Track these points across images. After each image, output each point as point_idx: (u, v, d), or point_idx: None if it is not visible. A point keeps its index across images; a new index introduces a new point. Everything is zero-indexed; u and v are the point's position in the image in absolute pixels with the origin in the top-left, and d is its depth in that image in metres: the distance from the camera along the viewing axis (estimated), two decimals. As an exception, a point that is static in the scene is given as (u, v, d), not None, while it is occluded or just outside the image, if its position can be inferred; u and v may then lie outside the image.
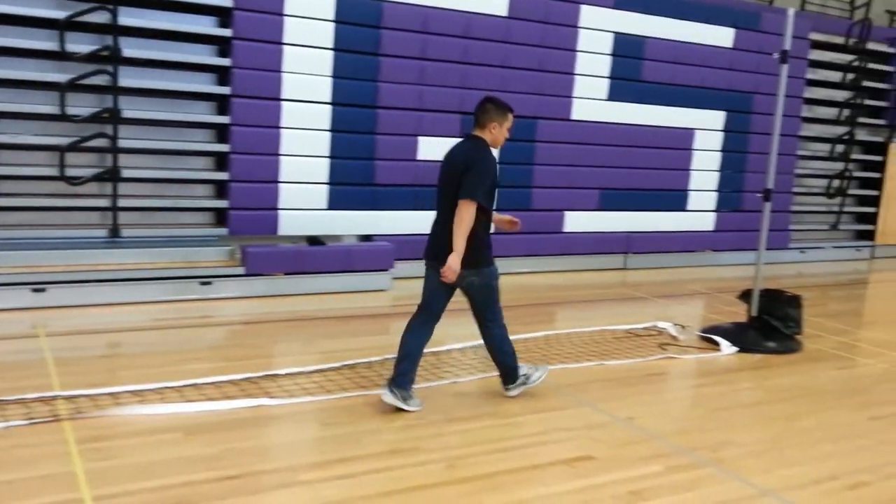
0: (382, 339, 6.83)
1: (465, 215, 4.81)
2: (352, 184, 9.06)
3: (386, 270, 8.78)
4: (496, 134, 5.04)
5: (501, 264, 9.83)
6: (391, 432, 4.72)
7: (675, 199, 11.36)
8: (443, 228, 4.97)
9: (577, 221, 10.54)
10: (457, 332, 7.04)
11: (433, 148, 9.49)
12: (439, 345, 6.53)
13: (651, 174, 11.09)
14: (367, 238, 9.22)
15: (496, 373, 5.89)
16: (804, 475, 4.46)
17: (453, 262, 4.84)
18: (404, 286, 8.95)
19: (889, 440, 5.09)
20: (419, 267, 9.29)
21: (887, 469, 4.62)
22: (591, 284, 9.78)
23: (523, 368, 5.46)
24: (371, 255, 8.72)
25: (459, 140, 5.23)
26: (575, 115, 10.43)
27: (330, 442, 4.57)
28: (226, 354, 6.11)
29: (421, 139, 9.37)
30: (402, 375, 5.02)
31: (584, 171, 10.59)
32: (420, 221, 9.44)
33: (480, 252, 4.99)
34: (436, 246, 5.03)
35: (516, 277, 9.86)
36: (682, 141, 11.32)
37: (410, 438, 4.64)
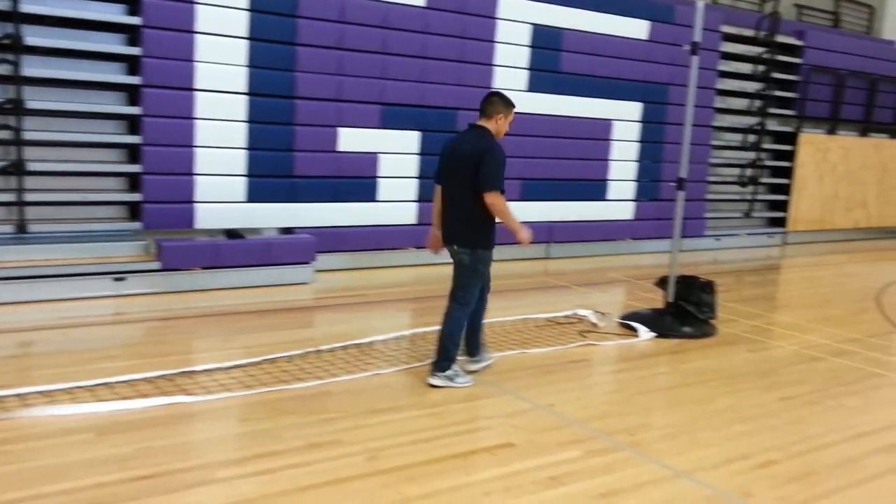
0: (304, 332, 6.76)
1: (498, 204, 5.26)
2: (271, 175, 8.93)
3: (307, 263, 8.69)
4: (501, 125, 5.45)
5: (423, 255, 9.93)
6: (311, 426, 4.68)
7: (596, 189, 11.53)
8: (455, 216, 5.38)
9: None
10: (380, 324, 7.03)
11: (353, 139, 9.43)
12: (362, 336, 6.50)
13: (571, 164, 11.22)
14: (287, 231, 9.11)
15: (419, 363, 5.89)
16: (717, 455, 4.59)
17: (524, 236, 5.48)
18: (327, 279, 8.87)
19: (797, 419, 5.27)
20: (342, 259, 9.36)
21: (795, 447, 4.78)
22: (513, 274, 9.86)
23: (455, 366, 5.51)
24: (292, 248, 8.62)
25: (462, 131, 5.54)
26: None
27: (248, 438, 4.51)
28: (140, 352, 5.97)
29: (341, 130, 9.29)
30: (473, 347, 5.67)
31: (507, 162, 10.62)
32: (342, 213, 9.40)
33: (482, 235, 5.36)
34: (451, 231, 5.43)
35: (439, 268, 9.83)
36: (600, 132, 11.48)
37: (331, 432, 4.61)
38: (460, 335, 5.49)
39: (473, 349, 5.78)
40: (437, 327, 6.77)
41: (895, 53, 15.69)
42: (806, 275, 11.67)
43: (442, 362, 5.46)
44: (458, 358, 5.60)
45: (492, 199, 5.24)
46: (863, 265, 12.70)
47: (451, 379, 5.47)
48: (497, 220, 5.39)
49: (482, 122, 5.45)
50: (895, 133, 15.78)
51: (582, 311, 7.74)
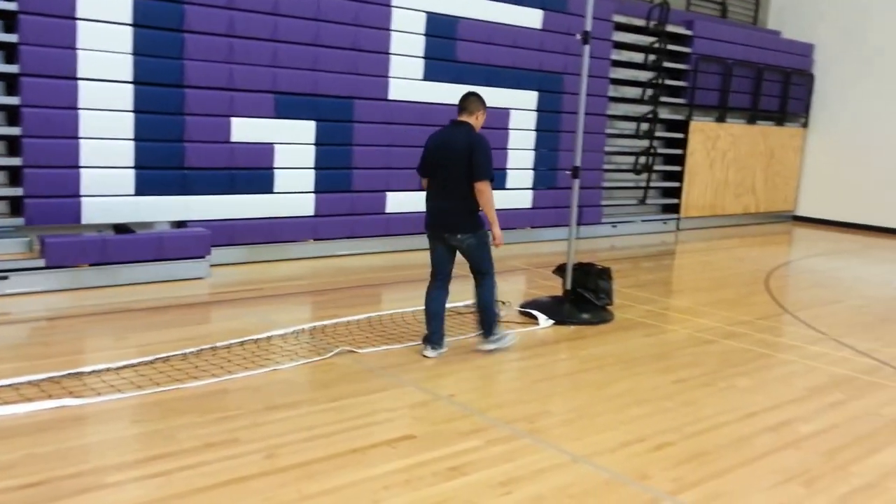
0: (201, 329, 6.60)
1: (488, 193, 5.79)
2: (161, 167, 8.69)
3: (202, 258, 8.49)
4: (480, 121, 6.00)
5: (321, 247, 9.85)
6: (207, 426, 4.58)
7: (497, 178, 11.57)
8: (453, 205, 5.90)
9: (398, 202, 10.58)
10: (279, 318, 6.93)
11: (247, 129, 9.25)
12: (260, 331, 6.40)
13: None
14: (180, 224, 8.88)
15: (319, 357, 5.85)
16: (613, 439, 4.71)
17: (498, 233, 5.93)
18: (223, 273, 8.69)
19: (690, 401, 5.46)
20: (238, 252, 9.18)
21: (688, 429, 4.95)
22: (414, 265, 9.86)
23: (497, 328, 6.22)
24: (185, 243, 8.41)
25: (446, 126, 6.04)
26: (392, 95, 10.45)
27: (140, 440, 4.38)
28: (25, 353, 5.72)
29: (234, 120, 9.11)
30: (435, 333, 6.07)
31: (404, 152, 10.63)
32: (237, 205, 9.22)
33: (479, 218, 5.93)
34: (448, 221, 5.95)
35: (337, 260, 9.80)
36: (498, 120, 11.58)
37: (227, 430, 4.53)
38: (494, 301, 6.15)
39: (436, 337, 6.10)
40: (341, 319, 6.75)
41: (779, 43, 16.37)
42: (699, 259, 12.06)
43: (488, 331, 6.16)
44: (406, 346, 6.29)
45: (483, 187, 5.76)
46: (752, 249, 13.21)
47: (499, 340, 6.23)
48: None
49: (464, 118, 5.98)
50: (781, 121, 16.47)
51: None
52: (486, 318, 6.18)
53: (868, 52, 15.94)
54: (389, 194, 10.52)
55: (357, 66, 10.08)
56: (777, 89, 16.27)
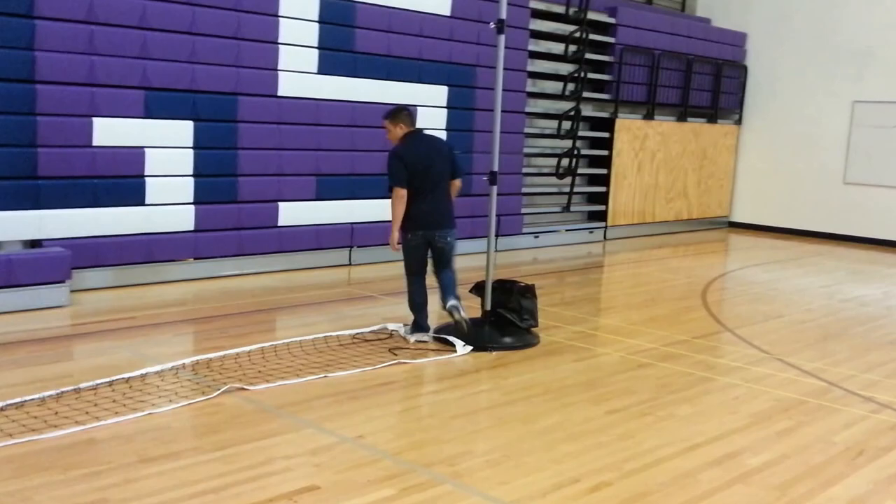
0: (60, 367, 6.36)
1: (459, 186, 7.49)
2: (8, 178, 8.38)
3: (61, 283, 8.21)
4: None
5: (203, 267, 9.66)
6: (70, 484, 4.37)
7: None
8: (446, 205, 7.35)
9: (293, 213, 10.47)
10: (155, 352, 6.72)
11: (112, 131, 9.01)
12: (133, 369, 6.18)
13: (372, 157, 11.23)
14: (34, 244, 8.55)
15: (202, 398, 5.70)
16: (545, 481, 4.69)
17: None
18: (87, 300, 8.42)
19: (626, 434, 5.50)
20: (105, 275, 8.91)
21: (627, 465, 4.97)
22: (312, 285, 9.74)
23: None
24: (40, 265, 8.10)
25: (413, 136, 7.29)
26: (282, 91, 10.36)
27: (-11, 505, 4.15)
28: None
29: (96, 121, 8.86)
30: (426, 321, 7.54)
31: (298, 156, 10.54)
32: (102, 221, 8.95)
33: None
34: (443, 220, 7.32)
35: (223, 282, 9.62)
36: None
37: (95, 489, 4.33)
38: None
39: (426, 324, 7.51)
40: (229, 352, 6.63)
41: (710, 32, 16.87)
42: (629, 272, 12.28)
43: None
44: (401, 327, 7.68)
45: (460, 182, 7.43)
46: (686, 259, 13.51)
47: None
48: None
49: (416, 126, 7.42)
50: (713, 117, 16.95)
51: (392, 326, 7.75)
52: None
53: (803, 41, 16.55)
54: (282, 205, 10.39)
55: (241, 58, 9.93)
56: (708, 83, 16.75)
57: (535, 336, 7.67)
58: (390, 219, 7.19)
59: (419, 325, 7.51)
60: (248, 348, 6.91)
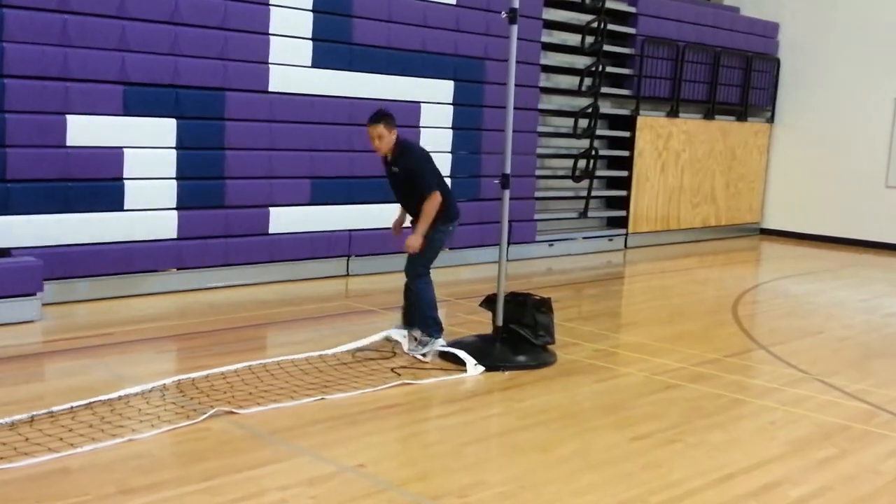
0: (31, 388, 6.34)
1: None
2: (-24, 181, 8.37)
3: (32, 296, 8.18)
4: None
5: (188, 278, 9.64)
6: (43, 518, 4.33)
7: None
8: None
9: (285, 220, 10.45)
10: (135, 372, 6.70)
11: (88, 130, 8.99)
12: (111, 390, 6.14)
13: (373, 158, 11.01)
14: (2, 253, 8.53)
15: (187, 422, 5.67)
16: (567, 515, 4.65)
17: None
18: (61, 314, 8.39)
19: (654, 463, 5.45)
20: (81, 287, 8.89)
21: (654, 498, 4.92)
22: (306, 297, 9.71)
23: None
24: (8, 276, 8.07)
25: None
26: (273, 86, 10.35)
27: (-46, 542, 4.11)
28: None
29: (70, 118, 8.86)
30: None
31: (291, 157, 10.53)
32: (77, 228, 8.94)
33: None
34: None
35: (209, 294, 9.60)
36: (407, 117, 11.53)
37: (71, 524, 4.29)
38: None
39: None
40: (216, 370, 6.58)
41: (739, 22, 16.87)
42: (653, 284, 12.24)
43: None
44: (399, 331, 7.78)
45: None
46: (715, 270, 13.48)
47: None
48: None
49: None
50: (742, 115, 16.92)
51: (395, 333, 7.75)
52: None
53: (841, 32, 16.51)
54: (273, 210, 10.37)
55: (228, 50, 9.93)
56: (737, 77, 16.74)
57: (551, 354, 7.63)
58: (406, 223, 7.67)
59: (439, 324, 7.67)
60: (236, 366, 6.86)
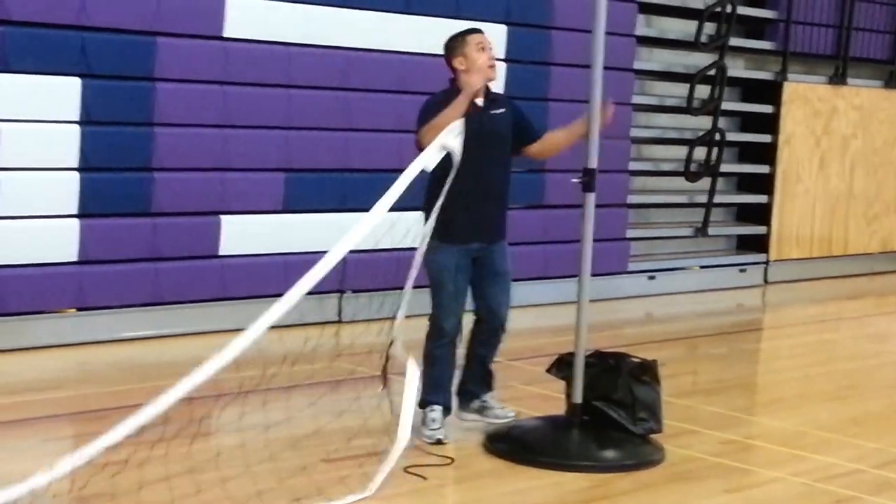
0: None
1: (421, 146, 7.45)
2: None
3: None
4: (465, 67, 7.61)
5: (96, 323, 9.49)
6: None
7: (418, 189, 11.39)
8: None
9: (245, 235, 10.43)
10: (6, 468, 6.49)
11: None
12: None
13: (379, 140, 11.20)
14: None
15: None
16: None
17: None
18: None
19: None
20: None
21: None
22: (276, 356, 9.51)
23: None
24: None
25: None
26: (231, 29, 10.35)
27: None
28: None
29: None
30: None
31: (256, 138, 10.54)
32: None
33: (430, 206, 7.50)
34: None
35: (126, 349, 9.56)
36: (435, 79, 11.22)
37: None
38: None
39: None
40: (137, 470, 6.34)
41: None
42: (808, 340, 12.08)
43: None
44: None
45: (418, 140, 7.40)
46: (904, 319, 13.26)
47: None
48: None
49: None
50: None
51: (398, 350, 7.57)
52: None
53: None
54: (227, 220, 10.34)
55: None
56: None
57: (656, 448, 7.54)
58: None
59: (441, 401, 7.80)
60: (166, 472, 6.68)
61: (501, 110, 7.54)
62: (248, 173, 10.49)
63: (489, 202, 7.58)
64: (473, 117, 7.25)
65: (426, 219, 7.44)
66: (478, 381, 7.85)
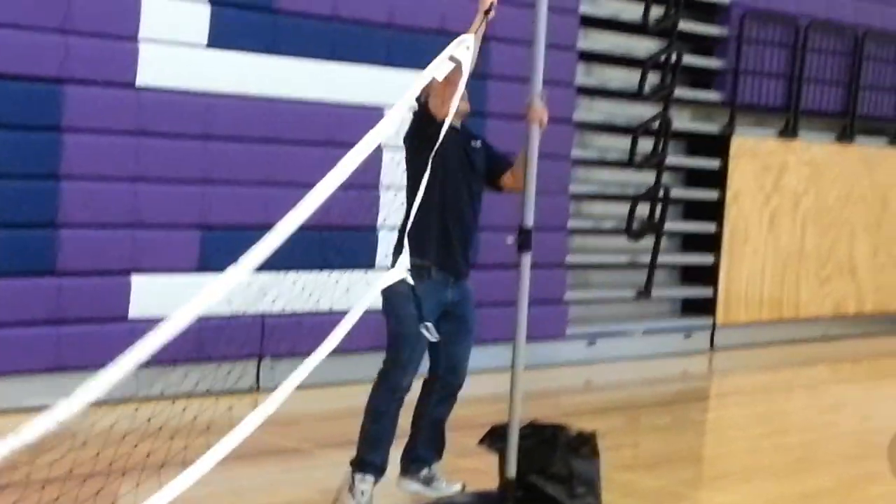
0: None
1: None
2: None
3: None
4: (436, 93, 7.38)
5: None
6: None
7: (355, 247, 11.46)
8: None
9: (157, 296, 10.31)
10: None
11: None
12: None
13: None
14: None
15: None
16: None
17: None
18: None
19: None
20: None
21: None
22: (189, 427, 9.46)
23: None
24: None
25: None
26: (145, 78, 10.30)
27: None
28: None
29: None
30: None
31: (170, 193, 10.49)
32: None
33: (401, 244, 7.35)
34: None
35: (23, 420, 9.29)
36: (361, 128, 11.25)
37: None
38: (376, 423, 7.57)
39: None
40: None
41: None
42: (757, 410, 12.12)
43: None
44: None
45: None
46: (858, 387, 13.37)
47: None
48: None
49: None
50: (897, 136, 17.00)
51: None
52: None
53: None
54: (138, 280, 10.31)
55: (71, 18, 9.89)
56: (892, 77, 16.76)
57: None
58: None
59: (377, 468, 7.70)
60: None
61: (478, 143, 7.70)
62: (161, 230, 10.41)
63: (463, 236, 7.63)
64: (456, 144, 7.46)
65: (395, 258, 7.38)
66: (429, 445, 7.82)
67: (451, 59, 6.97)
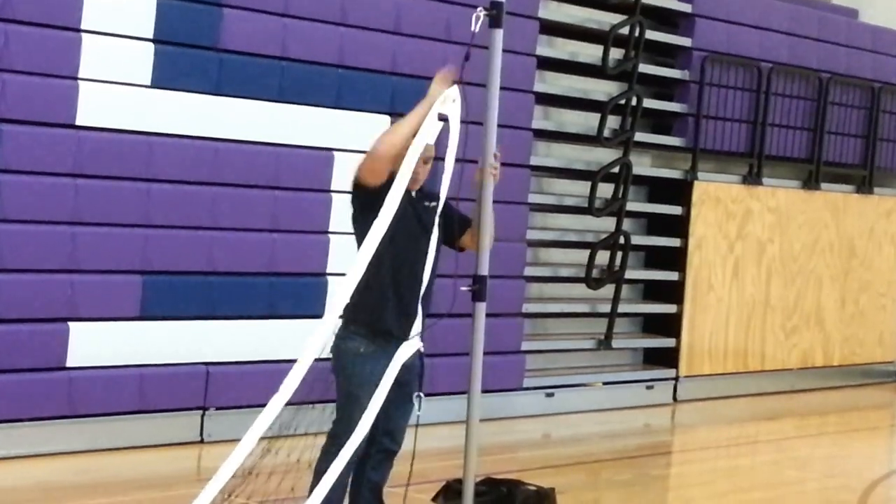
0: None
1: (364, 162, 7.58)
2: None
3: None
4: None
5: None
6: None
7: (302, 295, 11.40)
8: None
9: (96, 345, 10.25)
10: None
11: None
12: None
13: (248, 243, 11.13)
14: None
15: None
16: None
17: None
18: None
19: None
20: None
21: None
22: (130, 481, 9.39)
23: None
24: None
25: None
26: (84, 117, 10.24)
27: None
28: None
29: None
30: None
31: (110, 236, 10.40)
32: None
33: (351, 311, 7.35)
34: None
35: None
36: (310, 173, 11.43)
37: None
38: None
39: None
40: None
41: (858, 34, 17.12)
42: (719, 465, 12.14)
43: None
44: None
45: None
46: (825, 443, 13.35)
47: None
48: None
49: None
50: (865, 183, 17.10)
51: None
52: None
53: None
54: (76, 328, 10.20)
55: (8, 54, 9.86)
56: (857, 121, 16.88)
57: None
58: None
59: None
60: None
61: (434, 203, 7.54)
62: (100, 275, 10.33)
63: (414, 299, 7.56)
64: (407, 208, 7.31)
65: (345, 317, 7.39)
66: None
67: (440, 117, 6.99)
